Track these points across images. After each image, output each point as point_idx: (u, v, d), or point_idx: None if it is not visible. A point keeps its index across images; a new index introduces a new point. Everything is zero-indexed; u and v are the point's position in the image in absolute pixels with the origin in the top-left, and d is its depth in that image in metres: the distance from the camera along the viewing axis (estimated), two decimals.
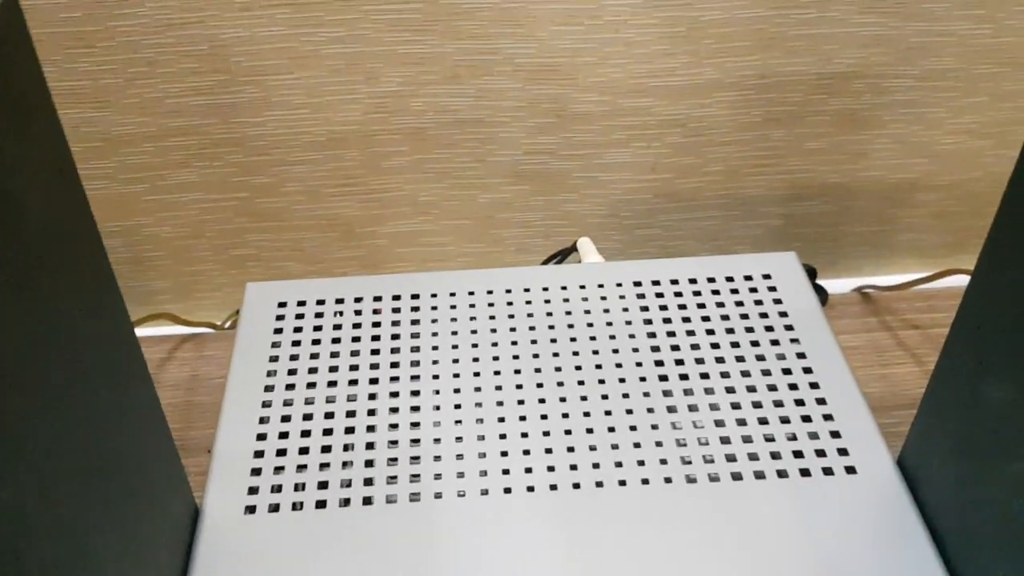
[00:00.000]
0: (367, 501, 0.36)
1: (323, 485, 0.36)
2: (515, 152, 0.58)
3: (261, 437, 0.38)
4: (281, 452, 0.38)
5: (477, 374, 0.41)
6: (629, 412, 0.39)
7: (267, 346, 0.42)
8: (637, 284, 0.45)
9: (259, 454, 0.38)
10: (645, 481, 0.36)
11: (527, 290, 0.45)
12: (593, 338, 0.42)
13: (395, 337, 0.42)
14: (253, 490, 0.36)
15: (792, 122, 0.58)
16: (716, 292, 0.44)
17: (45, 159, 0.25)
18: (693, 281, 0.45)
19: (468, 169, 0.58)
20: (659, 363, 0.41)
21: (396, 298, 0.44)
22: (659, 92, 0.56)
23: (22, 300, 0.23)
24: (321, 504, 0.36)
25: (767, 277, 0.45)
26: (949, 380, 0.33)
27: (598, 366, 0.41)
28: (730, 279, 0.45)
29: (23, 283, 0.23)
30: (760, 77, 0.56)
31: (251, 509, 0.36)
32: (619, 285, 0.45)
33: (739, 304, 0.43)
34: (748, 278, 0.45)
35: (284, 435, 0.38)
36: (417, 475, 0.37)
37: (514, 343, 0.42)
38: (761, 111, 0.57)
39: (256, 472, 0.37)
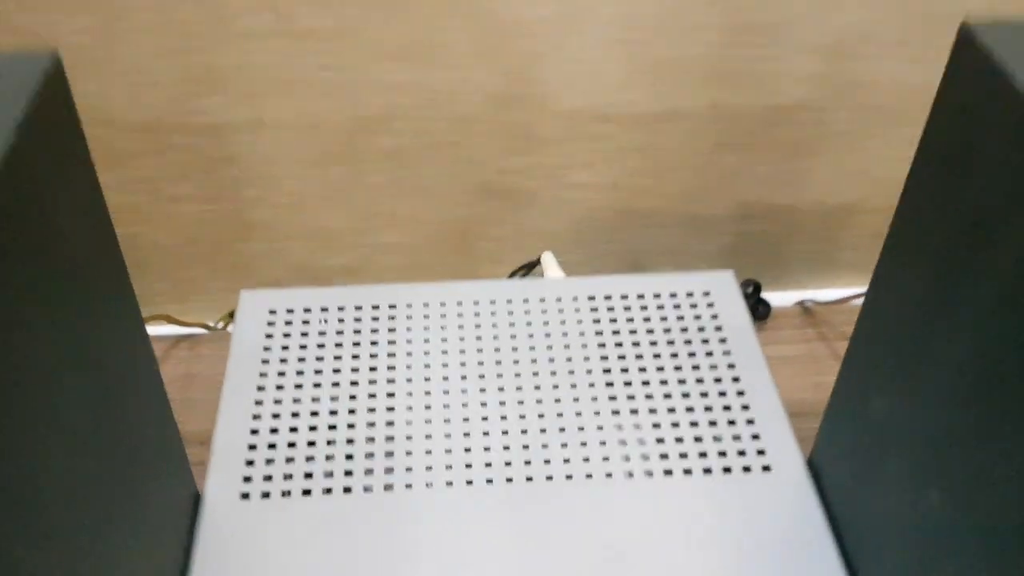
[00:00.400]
0: (347, 490, 0.41)
1: (308, 475, 0.42)
2: (487, 171, 0.63)
3: (254, 432, 0.44)
4: (271, 445, 0.43)
5: (446, 378, 0.46)
6: (578, 414, 0.44)
7: (259, 349, 0.47)
8: (591, 299, 0.50)
9: (252, 447, 0.43)
10: (589, 476, 0.41)
11: (493, 302, 0.50)
12: (550, 347, 0.47)
13: (374, 343, 0.48)
14: (247, 479, 0.42)
15: (742, 149, 0.63)
16: (660, 307, 0.50)
17: (81, 196, 0.30)
18: (641, 297, 0.50)
19: (444, 186, 0.64)
20: (607, 371, 0.46)
21: (375, 307, 0.50)
22: (621, 119, 0.61)
23: (60, 309, 0.28)
24: (307, 492, 0.41)
25: (706, 294, 0.50)
26: (845, 390, 0.39)
27: (553, 372, 0.46)
28: (673, 295, 0.50)
29: (62, 295, 0.28)
30: (712, 107, 0.61)
31: (245, 496, 0.41)
32: (575, 299, 0.50)
33: (680, 319, 0.49)
34: (690, 295, 0.50)
35: (274, 430, 0.44)
36: (391, 468, 0.42)
37: (479, 351, 0.47)
38: (713, 139, 0.63)
39: (250, 463, 0.42)
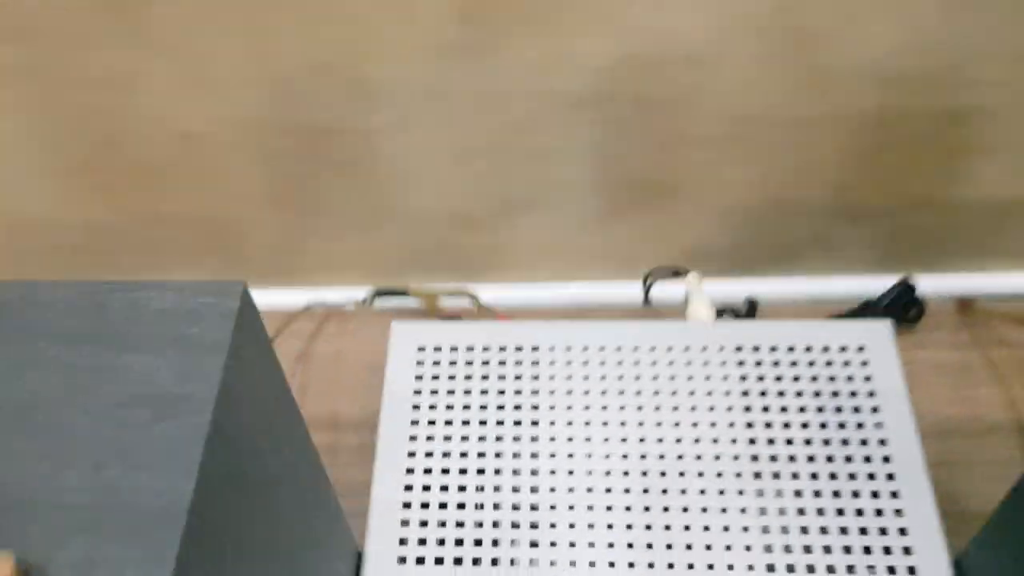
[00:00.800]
0: (494, 562, 0.43)
1: (459, 542, 0.44)
2: (633, 168, 0.61)
3: (408, 488, 0.46)
4: (424, 505, 0.45)
5: (588, 439, 0.47)
6: (721, 493, 0.44)
7: (410, 392, 0.49)
8: (738, 350, 0.49)
9: (407, 504, 0.45)
10: (730, 567, 0.42)
11: (636, 349, 0.50)
12: (694, 408, 0.47)
13: (518, 392, 0.49)
14: (403, 541, 0.44)
15: (904, 147, 0.58)
16: (811, 363, 0.48)
17: (267, 390, 0.31)
18: (791, 350, 0.49)
19: (582, 181, 0.62)
20: (752, 441, 0.46)
21: (519, 349, 0.50)
22: (776, 119, 0.57)
23: (260, 449, 0.30)
24: (458, 561, 0.44)
25: (861, 349, 0.49)
26: (1015, 505, 0.38)
27: (696, 440, 0.46)
28: (826, 349, 0.49)
29: (257, 444, 0.30)
30: (880, 108, 0.56)
31: (403, 560, 0.44)
32: (721, 349, 0.49)
33: (831, 379, 0.48)
34: (843, 349, 0.49)
35: (427, 487, 0.46)
36: (536, 541, 0.44)
37: (621, 407, 0.48)
38: (876, 138, 0.58)
39: (405, 523, 0.45)
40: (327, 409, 0.63)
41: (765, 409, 0.47)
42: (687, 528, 0.44)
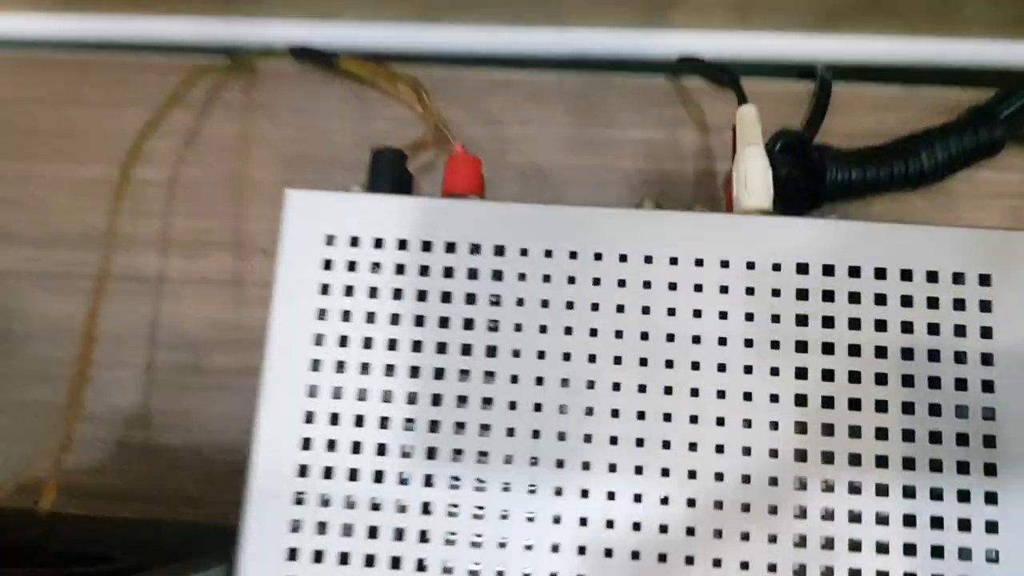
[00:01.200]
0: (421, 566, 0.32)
1: (373, 533, 0.32)
2: None
3: (306, 445, 0.33)
4: (329, 473, 0.32)
5: (593, 384, 0.33)
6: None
7: (314, 302, 0.34)
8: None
9: (303, 471, 0.33)
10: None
11: (649, 260, 0.33)
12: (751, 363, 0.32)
13: (470, 301, 0.33)
14: (295, 527, 0.32)
15: None
16: (906, 300, 0.32)
17: None
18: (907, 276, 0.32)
19: None
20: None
21: (475, 251, 0.34)
22: None
23: None
24: (370, 563, 0.32)
25: (985, 281, 0.32)
26: None
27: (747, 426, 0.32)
28: (932, 278, 0.32)
29: None
30: None
31: (293, 555, 0.32)
32: (778, 269, 0.33)
33: (931, 329, 0.32)
34: (958, 279, 0.32)
35: (332, 445, 0.33)
36: (505, 542, 0.32)
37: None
38: None
39: (299, 500, 0.32)
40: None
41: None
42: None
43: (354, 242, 0.34)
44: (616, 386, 0.32)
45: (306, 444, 0.32)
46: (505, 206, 0.34)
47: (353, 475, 0.32)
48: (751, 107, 0.36)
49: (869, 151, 0.44)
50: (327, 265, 0.34)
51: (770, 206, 0.35)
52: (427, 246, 0.33)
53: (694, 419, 0.32)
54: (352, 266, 0.34)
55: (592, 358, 0.32)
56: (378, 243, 0.34)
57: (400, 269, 0.33)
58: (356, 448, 0.32)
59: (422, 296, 0.33)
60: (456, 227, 0.33)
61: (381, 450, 0.32)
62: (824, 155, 0.43)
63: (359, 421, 0.33)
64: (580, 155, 0.46)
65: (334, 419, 0.33)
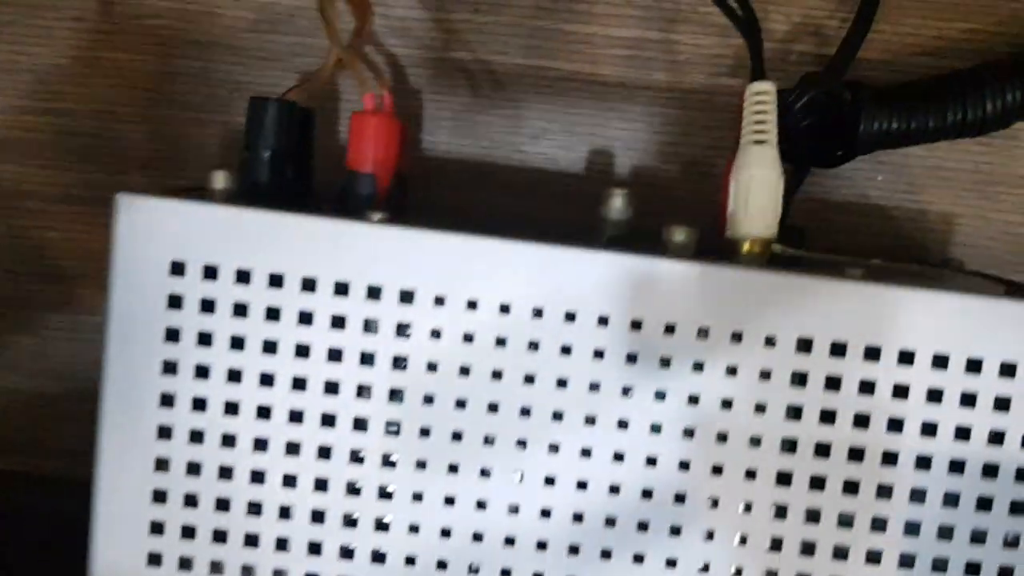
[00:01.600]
0: None
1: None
2: None
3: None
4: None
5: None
6: None
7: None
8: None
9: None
10: None
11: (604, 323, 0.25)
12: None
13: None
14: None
15: None
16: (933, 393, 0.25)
17: None
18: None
19: None
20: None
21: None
22: None
23: None
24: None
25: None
26: None
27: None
28: (975, 367, 0.25)
29: None
30: None
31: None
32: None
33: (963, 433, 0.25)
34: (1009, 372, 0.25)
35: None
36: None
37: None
38: None
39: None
40: None
41: None
42: None
43: (210, 273, 0.25)
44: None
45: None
46: (426, 235, 0.25)
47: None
48: (768, 86, 0.26)
49: (915, 89, 0.34)
50: (173, 303, 0.25)
51: (774, 233, 0.26)
52: (304, 283, 0.25)
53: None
54: (209, 306, 0.25)
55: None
56: (243, 277, 0.25)
57: (274, 314, 0.25)
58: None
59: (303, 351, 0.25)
60: (348, 263, 0.25)
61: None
62: (858, 97, 0.33)
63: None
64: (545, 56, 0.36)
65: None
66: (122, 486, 0.26)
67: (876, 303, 0.24)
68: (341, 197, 0.28)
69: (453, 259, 0.24)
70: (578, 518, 0.26)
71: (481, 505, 0.26)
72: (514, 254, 0.24)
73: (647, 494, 0.25)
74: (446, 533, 0.26)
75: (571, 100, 0.36)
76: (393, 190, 0.28)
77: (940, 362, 0.24)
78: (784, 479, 0.25)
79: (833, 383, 0.25)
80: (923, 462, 0.25)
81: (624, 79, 0.36)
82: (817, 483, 0.25)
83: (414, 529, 0.26)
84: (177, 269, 0.25)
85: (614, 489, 0.25)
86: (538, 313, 0.25)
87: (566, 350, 0.25)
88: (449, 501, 0.26)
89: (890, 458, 0.25)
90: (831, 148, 0.34)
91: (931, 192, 0.37)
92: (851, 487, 0.25)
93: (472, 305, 0.25)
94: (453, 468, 0.25)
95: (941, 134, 0.34)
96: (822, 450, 0.25)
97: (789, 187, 0.33)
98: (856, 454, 0.25)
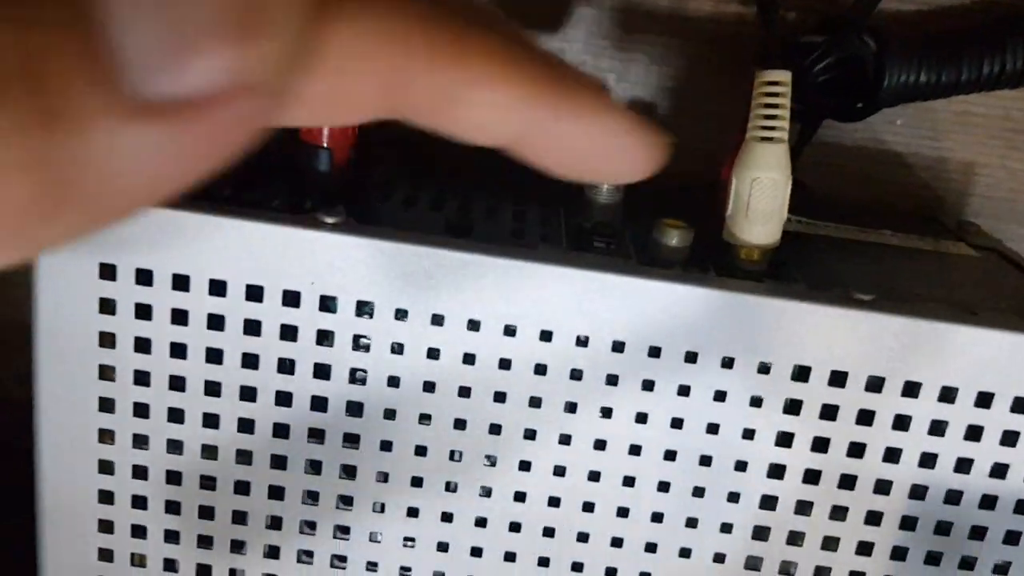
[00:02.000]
0: None
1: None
2: None
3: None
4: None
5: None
6: None
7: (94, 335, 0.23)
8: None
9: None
10: None
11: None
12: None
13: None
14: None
15: None
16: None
17: None
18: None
19: None
20: None
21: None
22: None
23: None
24: None
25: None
26: None
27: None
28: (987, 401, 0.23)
29: None
30: None
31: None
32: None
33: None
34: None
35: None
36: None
37: None
38: None
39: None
40: None
41: None
42: None
43: (143, 278, 0.22)
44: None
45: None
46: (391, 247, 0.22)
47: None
48: (783, 75, 0.22)
49: (945, 39, 0.30)
50: (105, 307, 0.22)
51: (776, 240, 0.23)
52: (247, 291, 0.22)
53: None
54: (145, 312, 0.22)
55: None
56: (180, 282, 0.22)
57: (218, 323, 0.23)
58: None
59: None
60: (296, 272, 0.22)
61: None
62: (883, 48, 0.29)
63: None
64: None
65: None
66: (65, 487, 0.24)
67: (882, 333, 0.22)
68: (296, 172, 0.24)
69: (415, 272, 0.22)
70: (548, 533, 0.24)
71: (447, 518, 0.24)
72: (483, 268, 0.22)
73: (623, 512, 0.24)
74: (409, 540, 0.24)
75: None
76: (352, 163, 0.25)
77: (947, 395, 0.22)
78: (768, 503, 0.24)
79: (830, 412, 0.23)
80: (918, 491, 0.23)
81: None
82: (802, 508, 0.24)
83: (374, 539, 0.25)
84: (105, 272, 0.22)
85: (588, 507, 0.24)
86: (510, 332, 0.22)
87: (540, 369, 0.22)
88: (412, 513, 0.24)
89: (883, 486, 0.23)
90: (850, 100, 0.30)
91: (954, 138, 0.34)
92: (839, 512, 0.24)
93: (438, 320, 0.22)
94: (416, 482, 0.24)
95: (974, 87, 0.30)
96: (811, 476, 0.23)
97: (798, 142, 0.30)
98: (848, 481, 0.23)
